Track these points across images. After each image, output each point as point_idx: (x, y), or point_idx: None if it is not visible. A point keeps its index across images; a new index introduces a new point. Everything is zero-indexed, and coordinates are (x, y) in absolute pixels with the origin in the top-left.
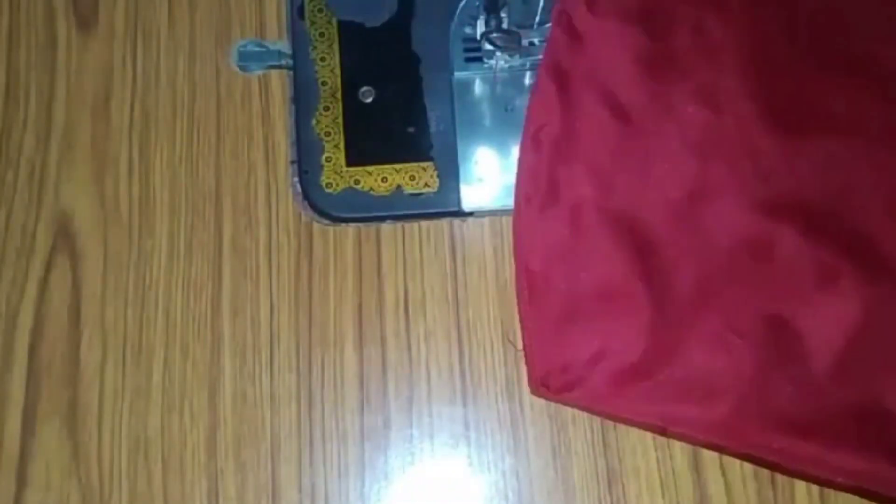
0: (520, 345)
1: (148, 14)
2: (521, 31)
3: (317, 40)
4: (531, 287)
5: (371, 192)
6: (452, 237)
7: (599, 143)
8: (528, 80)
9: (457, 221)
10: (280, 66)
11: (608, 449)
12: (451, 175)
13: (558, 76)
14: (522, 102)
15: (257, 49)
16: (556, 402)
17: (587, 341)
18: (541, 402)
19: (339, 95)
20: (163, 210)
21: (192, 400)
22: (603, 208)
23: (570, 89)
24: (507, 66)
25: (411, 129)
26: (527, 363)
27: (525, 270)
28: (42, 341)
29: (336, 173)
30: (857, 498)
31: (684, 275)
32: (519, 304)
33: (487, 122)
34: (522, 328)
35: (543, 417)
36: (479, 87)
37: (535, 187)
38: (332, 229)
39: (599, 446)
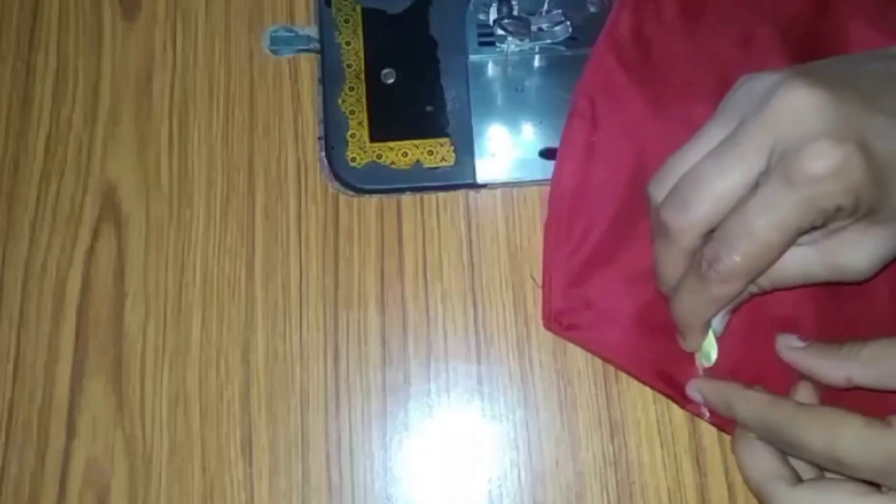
0: (540, 282)
1: (187, 2)
2: (531, 18)
3: (342, 26)
4: (558, 228)
5: (392, 166)
6: (467, 207)
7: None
8: (537, 63)
9: (471, 193)
10: (308, 50)
11: (611, 402)
12: (466, 150)
13: (616, 52)
14: (532, 83)
15: (287, 34)
16: (565, 338)
17: (601, 287)
18: (549, 359)
19: (362, 77)
20: (200, 182)
21: (228, 357)
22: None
23: (626, 66)
24: (517, 50)
25: (430, 108)
26: (543, 299)
27: (555, 211)
28: (89, 303)
29: (360, 148)
30: None
31: None
32: (545, 242)
33: (500, 101)
34: (544, 266)
35: (551, 373)
36: (492, 70)
37: (575, 141)
38: (356, 200)
39: (603, 400)
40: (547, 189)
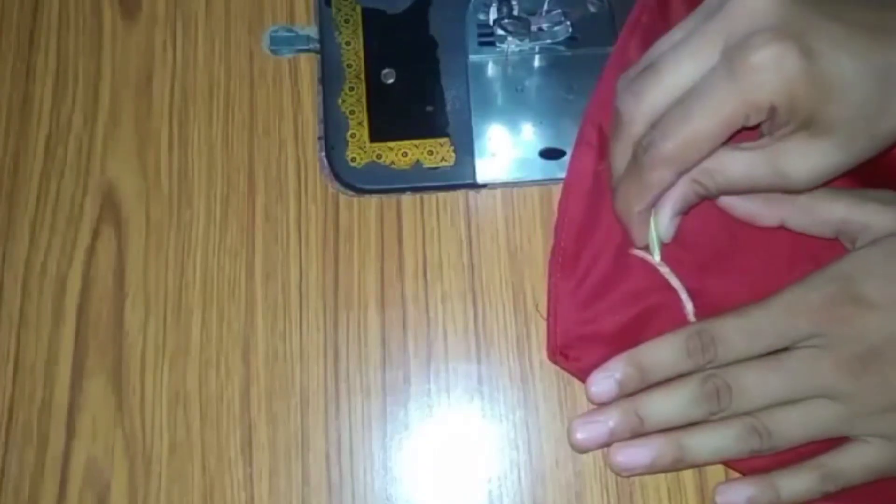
0: (545, 314)
1: (187, 2)
2: (531, 18)
3: (342, 26)
4: (563, 259)
5: (392, 166)
6: (467, 207)
7: None
8: (536, 63)
9: (471, 193)
10: (308, 50)
11: None
12: (466, 150)
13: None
14: (532, 83)
15: (287, 34)
16: (570, 372)
17: (607, 320)
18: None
19: (362, 77)
20: (200, 182)
21: (228, 357)
22: None
23: None
24: (517, 49)
25: (429, 108)
26: (548, 332)
27: (560, 241)
28: (89, 303)
29: (360, 148)
30: None
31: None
32: (549, 273)
33: (500, 101)
34: (549, 298)
35: (551, 374)
36: (492, 70)
37: (581, 171)
38: (356, 200)
39: None
40: (548, 189)
